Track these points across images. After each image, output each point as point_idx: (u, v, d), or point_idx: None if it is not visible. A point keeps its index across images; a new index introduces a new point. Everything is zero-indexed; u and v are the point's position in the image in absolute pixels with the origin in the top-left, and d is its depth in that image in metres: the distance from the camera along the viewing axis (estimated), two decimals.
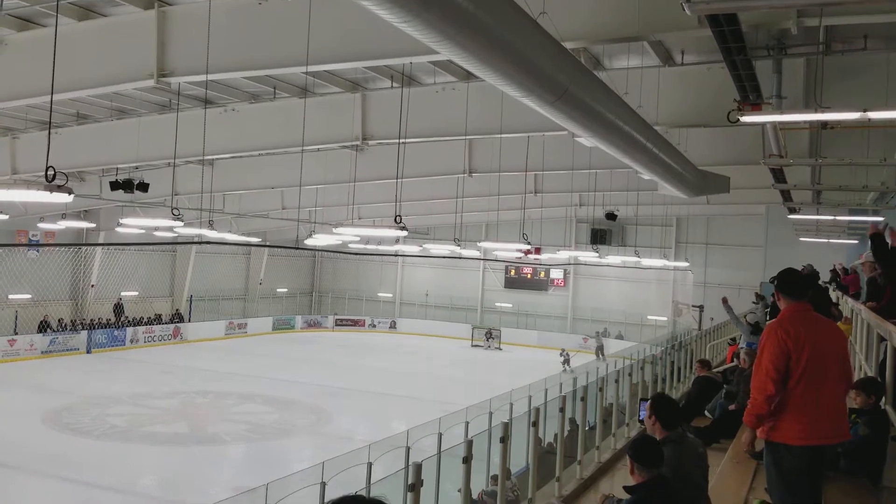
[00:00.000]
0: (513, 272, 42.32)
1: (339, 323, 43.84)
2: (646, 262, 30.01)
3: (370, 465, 8.03)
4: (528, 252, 25.68)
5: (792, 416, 4.32)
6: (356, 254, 28.64)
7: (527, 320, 41.53)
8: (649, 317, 38.04)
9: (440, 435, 9.46)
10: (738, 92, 9.18)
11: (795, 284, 4.59)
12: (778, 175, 14.43)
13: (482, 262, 39.88)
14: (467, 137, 15.55)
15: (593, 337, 34.26)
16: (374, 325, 43.70)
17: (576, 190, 22.59)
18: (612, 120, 8.59)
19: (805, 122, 11.00)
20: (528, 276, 42.05)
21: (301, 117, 12.54)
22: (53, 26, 9.37)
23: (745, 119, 8.72)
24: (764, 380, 4.32)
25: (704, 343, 17.85)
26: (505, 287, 42.71)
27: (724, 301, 12.99)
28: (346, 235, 25.62)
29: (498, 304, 42.41)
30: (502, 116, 12.44)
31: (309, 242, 28.05)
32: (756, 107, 9.09)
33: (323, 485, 7.52)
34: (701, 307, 28.93)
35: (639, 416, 4.62)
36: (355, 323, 43.96)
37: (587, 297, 40.70)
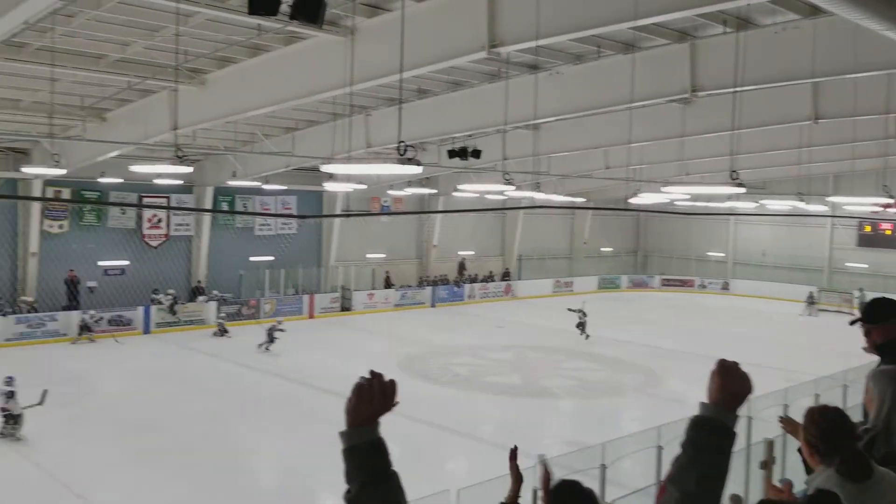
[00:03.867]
0: (868, 228, 37.43)
1: (666, 283, 42.74)
2: None
3: None
4: (888, 206, 22.59)
5: None
6: (683, 213, 27.42)
7: (886, 283, 36.62)
8: None
9: (786, 406, 8.75)
10: None
11: None
12: None
13: (830, 218, 35.86)
14: (813, 81, 13.96)
15: (576, 311, 26.72)
16: (705, 286, 41.83)
17: None
18: None
19: None
20: (889, 232, 36.93)
21: (626, 74, 12.23)
22: (398, 10, 10.22)
23: None
24: None
25: None
26: (858, 245, 38.05)
27: None
28: (675, 194, 24.82)
29: (849, 265, 37.96)
30: (856, 54, 10.93)
31: (633, 202, 27.65)
32: None
33: (660, 448, 7.41)
34: None
35: None
36: (683, 283, 42.49)
37: None
